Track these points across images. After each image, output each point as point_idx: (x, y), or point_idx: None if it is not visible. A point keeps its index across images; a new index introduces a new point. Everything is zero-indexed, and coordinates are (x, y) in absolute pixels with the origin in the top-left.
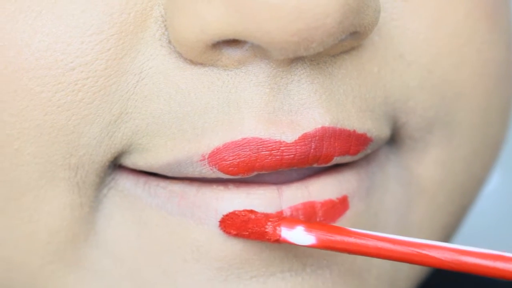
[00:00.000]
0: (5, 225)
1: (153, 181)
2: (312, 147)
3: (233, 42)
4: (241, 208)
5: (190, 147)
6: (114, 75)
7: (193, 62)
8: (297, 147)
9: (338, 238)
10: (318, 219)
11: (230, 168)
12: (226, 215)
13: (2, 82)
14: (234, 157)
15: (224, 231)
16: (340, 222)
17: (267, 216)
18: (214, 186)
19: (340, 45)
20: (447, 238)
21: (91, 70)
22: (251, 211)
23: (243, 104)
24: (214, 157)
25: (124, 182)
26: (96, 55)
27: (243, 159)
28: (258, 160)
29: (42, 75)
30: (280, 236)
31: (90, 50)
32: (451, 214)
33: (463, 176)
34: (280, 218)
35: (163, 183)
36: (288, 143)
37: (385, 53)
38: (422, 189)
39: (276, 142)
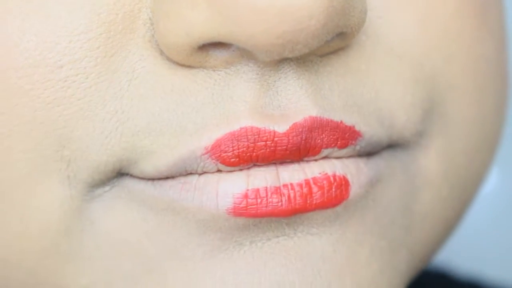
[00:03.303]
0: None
1: (158, 179)
2: (303, 138)
3: (219, 44)
4: (242, 188)
5: (193, 141)
6: (105, 72)
7: (183, 65)
8: (289, 137)
9: None
10: (315, 201)
11: (232, 159)
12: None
13: None
14: (233, 147)
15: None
16: (339, 209)
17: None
18: (216, 173)
19: (327, 46)
20: (448, 232)
21: (80, 67)
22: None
23: (237, 99)
24: (216, 149)
25: (129, 180)
26: (85, 53)
27: (242, 149)
28: (255, 150)
29: (31, 73)
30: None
31: (78, 49)
32: (452, 208)
33: (464, 170)
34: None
35: (166, 178)
36: (280, 134)
37: (372, 50)
38: (427, 181)
39: (271, 132)
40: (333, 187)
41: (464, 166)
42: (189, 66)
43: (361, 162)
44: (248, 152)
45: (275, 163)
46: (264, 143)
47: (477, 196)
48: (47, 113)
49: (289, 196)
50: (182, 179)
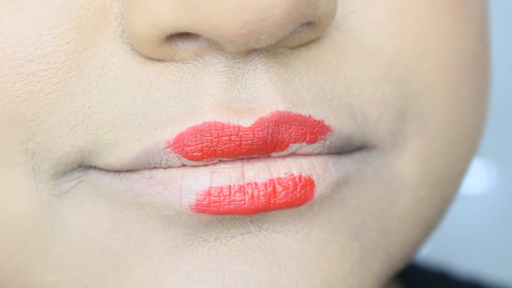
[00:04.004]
0: None
1: (125, 173)
2: (269, 132)
3: (187, 35)
4: (205, 185)
5: (156, 135)
6: (75, 67)
7: (153, 58)
8: (255, 132)
9: None
10: (278, 201)
11: (195, 153)
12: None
13: None
14: (197, 142)
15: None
16: (304, 208)
17: None
18: (181, 169)
19: (297, 37)
20: (429, 231)
21: (50, 62)
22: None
23: (203, 93)
24: (179, 143)
25: (95, 174)
26: (55, 48)
27: (205, 144)
28: (219, 145)
29: (0, 67)
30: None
31: (48, 43)
32: (433, 208)
33: (443, 168)
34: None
35: (132, 171)
36: (245, 128)
37: (344, 45)
38: (404, 185)
39: (235, 126)
40: (298, 187)
41: (443, 165)
42: (159, 60)
43: (330, 163)
44: (212, 147)
45: (241, 159)
46: (228, 137)
47: (477, 196)
48: (15, 106)
49: (252, 195)
50: (147, 173)
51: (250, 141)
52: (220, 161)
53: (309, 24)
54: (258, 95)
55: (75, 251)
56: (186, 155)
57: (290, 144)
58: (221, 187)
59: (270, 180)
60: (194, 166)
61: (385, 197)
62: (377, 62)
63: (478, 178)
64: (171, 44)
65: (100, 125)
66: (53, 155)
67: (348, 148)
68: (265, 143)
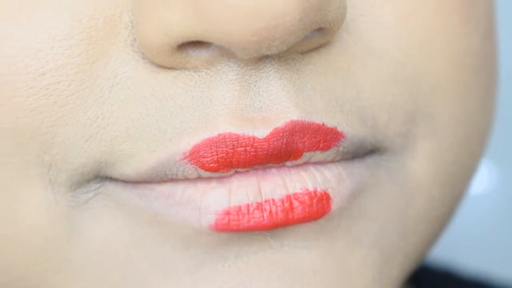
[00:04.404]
0: None
1: (141, 184)
2: (284, 142)
3: (198, 44)
4: (224, 205)
5: (172, 146)
6: (87, 79)
7: (164, 67)
8: (270, 142)
9: None
10: (296, 216)
11: (211, 165)
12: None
13: None
14: (212, 153)
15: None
16: (323, 221)
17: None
18: (198, 184)
19: (308, 42)
20: (441, 229)
21: (63, 74)
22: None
23: (216, 102)
24: (195, 154)
25: (113, 187)
26: (67, 60)
27: (221, 155)
28: (235, 156)
29: (13, 81)
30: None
31: (60, 55)
32: (445, 206)
33: (453, 167)
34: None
35: (151, 186)
36: (260, 139)
37: (354, 49)
38: (418, 184)
39: (250, 138)
40: (314, 202)
41: (453, 163)
42: (171, 68)
43: (344, 173)
44: (227, 158)
45: (256, 170)
46: (243, 148)
47: (478, 196)
48: (29, 120)
49: (270, 211)
50: (166, 190)
51: (266, 152)
52: (236, 172)
53: (320, 29)
54: (271, 103)
55: (95, 262)
56: (202, 166)
57: (304, 153)
58: (240, 206)
59: (287, 196)
60: (211, 177)
61: (400, 198)
62: (386, 65)
63: (478, 178)
64: (182, 53)
65: (114, 136)
66: (69, 166)
67: (360, 152)
68: (280, 152)
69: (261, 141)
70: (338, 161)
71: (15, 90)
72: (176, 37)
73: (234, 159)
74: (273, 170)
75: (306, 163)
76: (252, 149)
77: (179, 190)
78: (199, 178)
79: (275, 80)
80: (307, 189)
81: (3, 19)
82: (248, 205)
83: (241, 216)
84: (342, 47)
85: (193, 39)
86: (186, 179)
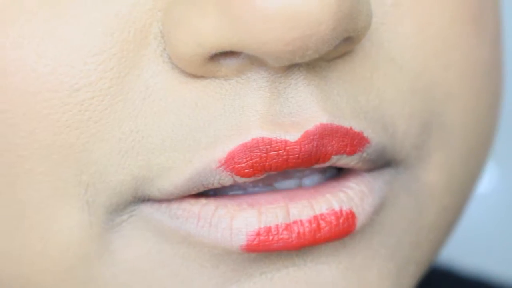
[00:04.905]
0: (19, 244)
1: (174, 204)
2: (314, 145)
3: (229, 53)
4: (254, 226)
5: (207, 155)
6: (120, 93)
7: (195, 76)
8: (301, 145)
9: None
10: (323, 235)
11: (246, 170)
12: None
13: (11, 106)
14: (247, 158)
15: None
16: (346, 239)
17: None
18: (229, 206)
19: (334, 50)
20: (449, 235)
21: (96, 89)
22: None
23: (248, 109)
24: (230, 162)
25: (147, 209)
26: (100, 75)
27: (255, 160)
28: (268, 160)
29: (49, 98)
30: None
31: (93, 71)
32: (454, 213)
33: (463, 175)
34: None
35: (183, 205)
36: (292, 142)
37: (376, 57)
38: (431, 195)
39: (282, 141)
40: (340, 221)
41: (463, 172)
42: (201, 77)
43: (366, 190)
44: (261, 162)
45: (284, 200)
46: (276, 152)
47: (478, 196)
48: (65, 136)
49: (298, 232)
50: (197, 211)
51: (297, 155)
52: (268, 175)
53: (348, 38)
54: (300, 109)
55: (122, 283)
56: (238, 173)
57: (332, 156)
58: (270, 227)
59: (314, 216)
60: (245, 182)
61: (414, 209)
62: (405, 74)
63: None
64: (214, 62)
65: (150, 149)
66: (108, 185)
67: (379, 162)
68: (310, 156)
69: (293, 144)
70: (360, 176)
71: (50, 107)
72: (210, 48)
73: (267, 164)
74: (300, 192)
75: (331, 180)
76: (285, 153)
77: (210, 211)
78: (230, 199)
79: (303, 87)
80: (333, 209)
81: (38, 37)
82: (277, 225)
83: (271, 237)
84: (365, 55)
85: (227, 49)
86: (217, 197)
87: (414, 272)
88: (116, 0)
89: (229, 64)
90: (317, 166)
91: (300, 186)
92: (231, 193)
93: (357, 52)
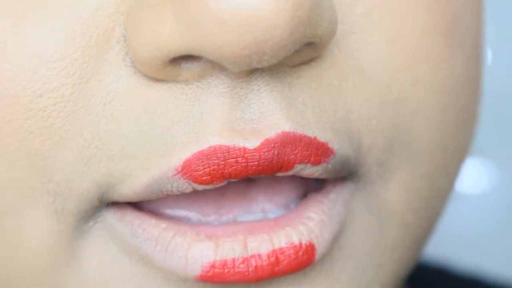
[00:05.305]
0: None
1: (136, 221)
2: (275, 153)
3: (190, 57)
4: (210, 258)
5: (164, 162)
6: (82, 99)
7: (156, 79)
8: (260, 153)
9: None
10: (282, 268)
11: (204, 178)
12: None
13: None
14: (204, 166)
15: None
16: (307, 269)
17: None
18: (188, 234)
19: (298, 56)
20: (419, 249)
21: (58, 95)
22: None
23: (207, 116)
24: (187, 169)
25: (111, 218)
26: (62, 81)
27: (213, 167)
28: (226, 167)
29: (12, 104)
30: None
31: (55, 76)
32: (420, 229)
33: (427, 192)
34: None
35: (144, 225)
36: (251, 149)
37: (345, 66)
38: (392, 213)
39: (240, 149)
40: (299, 254)
41: (428, 189)
42: (162, 80)
43: (325, 219)
44: (219, 170)
45: (243, 233)
46: (234, 159)
47: (478, 196)
48: (29, 143)
49: (256, 266)
50: (157, 234)
51: (257, 162)
52: (228, 182)
53: (310, 43)
54: (262, 115)
55: None
56: (195, 180)
57: (296, 165)
58: (225, 260)
59: (273, 251)
60: (205, 189)
61: (375, 228)
62: (375, 86)
63: (478, 178)
64: (174, 66)
65: (110, 156)
66: (74, 192)
67: (342, 173)
68: (271, 163)
69: (252, 151)
70: (320, 203)
71: (13, 113)
72: (167, 51)
73: (226, 171)
74: (260, 224)
75: (295, 175)
76: (243, 160)
77: (167, 237)
78: (190, 227)
79: (266, 93)
80: (292, 243)
81: (3, 43)
82: (234, 259)
83: (226, 270)
84: (332, 63)
85: (184, 53)
86: (178, 223)
87: (389, 272)
88: (79, 5)
89: (190, 68)
90: (280, 174)
91: (264, 218)
92: (190, 222)
93: (325, 58)
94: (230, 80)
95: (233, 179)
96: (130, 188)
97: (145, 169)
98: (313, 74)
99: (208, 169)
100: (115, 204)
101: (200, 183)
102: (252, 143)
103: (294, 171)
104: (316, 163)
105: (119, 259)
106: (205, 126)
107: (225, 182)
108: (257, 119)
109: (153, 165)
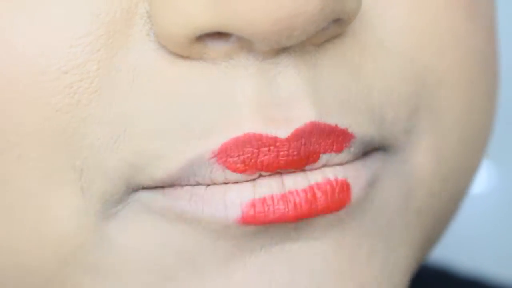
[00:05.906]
0: (15, 232)
1: (169, 188)
2: (303, 143)
3: (218, 35)
4: (249, 197)
5: (201, 144)
6: (108, 75)
7: (182, 56)
8: (290, 142)
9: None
10: (320, 206)
11: (238, 165)
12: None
13: (0, 91)
14: (239, 152)
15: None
16: (342, 210)
17: None
18: (222, 184)
19: (323, 33)
20: (443, 227)
21: (84, 72)
22: None
23: (237, 98)
24: (223, 154)
25: (140, 194)
26: (87, 57)
27: (247, 155)
28: (259, 156)
29: (38, 81)
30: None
31: (80, 53)
32: (446, 202)
33: (454, 163)
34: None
35: (176, 187)
36: (282, 139)
37: (366, 40)
38: (420, 179)
39: (272, 138)
40: (336, 191)
41: (455, 159)
42: (188, 58)
43: (359, 164)
44: (252, 158)
45: (280, 173)
46: (267, 148)
47: (477, 196)
48: (56, 120)
49: (294, 202)
50: (190, 190)
51: (286, 152)
52: (260, 175)
53: (337, 20)
54: (290, 101)
55: (123, 268)
56: (229, 167)
57: (321, 155)
58: (264, 198)
59: (310, 186)
60: (237, 182)
61: (404, 192)
62: (396, 59)
63: (478, 178)
64: (201, 43)
65: (141, 135)
66: (101, 170)
67: (369, 149)
68: (299, 154)
69: (283, 141)
70: (352, 161)
71: (39, 91)
72: (195, 28)
73: (258, 160)
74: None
75: (325, 166)
76: (275, 149)
77: (202, 189)
78: (224, 184)
79: (293, 77)
80: (328, 179)
81: (25, 21)
82: (272, 196)
83: (266, 208)
84: (355, 38)
85: (213, 30)
86: (212, 184)
87: (406, 255)
88: None
89: (216, 46)
90: (309, 167)
91: None
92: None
93: (347, 34)
94: (258, 61)
95: (264, 171)
96: (164, 170)
97: (180, 150)
98: (337, 52)
99: (242, 156)
100: (144, 189)
101: (234, 170)
102: (283, 132)
103: (321, 162)
104: (339, 150)
105: (156, 228)
106: (238, 109)
107: (257, 175)
108: (285, 105)
109: (189, 147)
